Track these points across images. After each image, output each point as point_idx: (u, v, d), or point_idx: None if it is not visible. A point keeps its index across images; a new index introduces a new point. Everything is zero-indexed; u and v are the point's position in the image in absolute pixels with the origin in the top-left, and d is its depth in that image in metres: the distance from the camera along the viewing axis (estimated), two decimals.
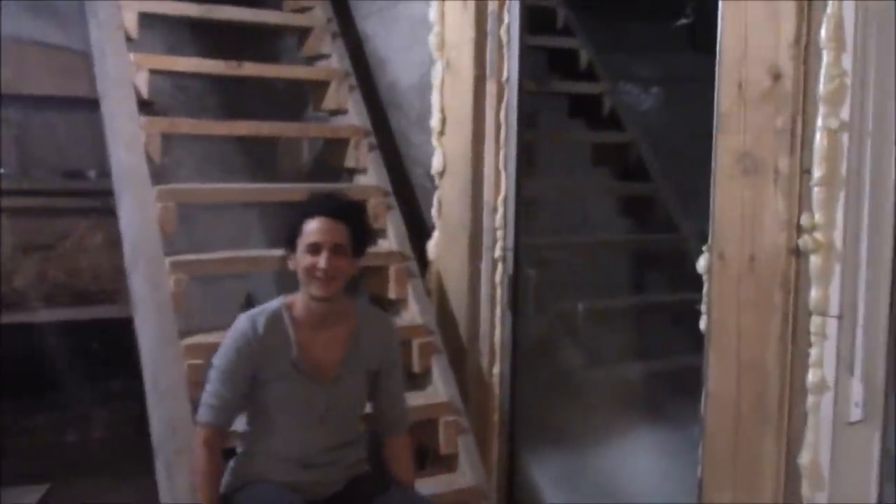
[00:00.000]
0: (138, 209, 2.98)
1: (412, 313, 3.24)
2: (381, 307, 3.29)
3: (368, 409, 2.55)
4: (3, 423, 4.81)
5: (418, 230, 3.46)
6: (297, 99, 3.94)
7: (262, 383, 2.31)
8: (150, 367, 2.80)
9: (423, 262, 3.40)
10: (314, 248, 2.25)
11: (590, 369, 3.67)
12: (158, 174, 4.82)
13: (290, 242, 2.32)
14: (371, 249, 3.30)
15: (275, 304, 2.36)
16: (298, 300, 2.35)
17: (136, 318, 2.93)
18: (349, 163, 3.52)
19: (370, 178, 3.48)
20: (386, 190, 3.42)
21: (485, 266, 3.22)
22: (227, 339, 2.32)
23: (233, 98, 4.50)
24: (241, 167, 4.62)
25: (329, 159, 3.68)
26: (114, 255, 4.85)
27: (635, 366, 3.75)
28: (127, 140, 3.09)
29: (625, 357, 3.80)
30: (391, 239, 3.35)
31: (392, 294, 3.26)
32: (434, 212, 3.39)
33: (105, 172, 5.05)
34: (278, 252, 2.45)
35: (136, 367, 2.89)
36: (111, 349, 4.61)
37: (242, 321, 2.32)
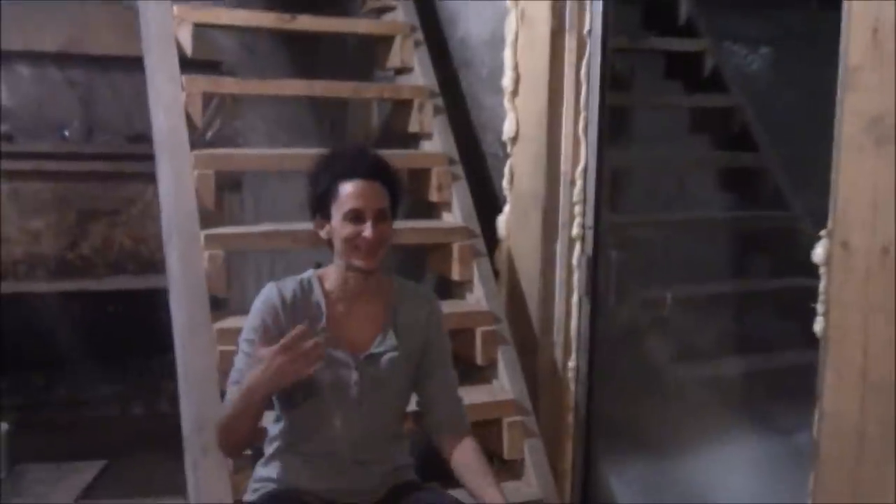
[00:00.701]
0: (174, 176, 2.73)
1: (477, 297, 2.91)
2: (447, 289, 2.98)
3: (414, 406, 2.23)
4: (66, 395, 4.76)
5: (488, 204, 3.13)
6: (371, 58, 3.65)
7: None
8: (180, 354, 2.55)
9: (493, 239, 3.07)
10: (356, 216, 1.99)
11: (679, 365, 3.30)
12: (229, 137, 4.73)
13: (321, 208, 2.04)
14: (434, 224, 3.01)
15: (305, 274, 2.12)
16: (331, 272, 2.10)
17: (171, 298, 2.68)
18: (413, 127, 3.21)
19: (435, 143, 3.16)
20: (452, 157, 3.10)
21: (560, 246, 2.87)
22: (252, 312, 2.07)
23: (303, 57, 4.34)
24: (313, 131, 4.50)
25: (394, 123, 3.40)
26: None
27: (732, 362, 3.36)
28: (165, 100, 2.84)
29: (721, 352, 3.40)
30: (456, 213, 3.03)
31: (455, 275, 2.93)
32: (505, 183, 3.05)
33: None
34: None
35: None
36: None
37: (268, 289, 2.08)
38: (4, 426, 3.83)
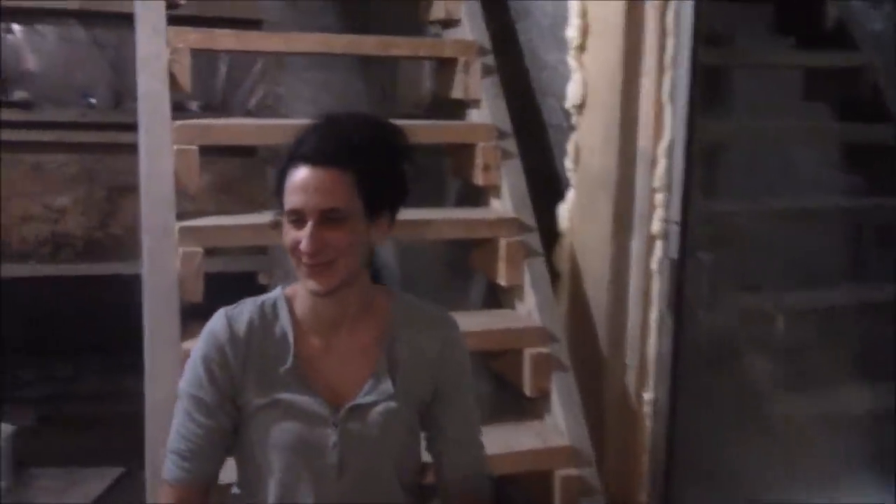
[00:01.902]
0: (148, 152, 2.24)
1: (528, 308, 2.39)
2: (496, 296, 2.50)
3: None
4: (91, 388, 4.49)
5: (547, 189, 2.61)
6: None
7: (245, 415, 1.55)
8: (146, 378, 2.06)
9: (552, 234, 2.56)
10: (296, 218, 1.46)
11: (787, 396, 2.73)
12: (271, 106, 4.35)
13: (278, 204, 1.53)
14: (475, 214, 2.48)
15: (271, 294, 1.60)
16: (301, 291, 1.57)
17: (143, 304, 2.19)
18: (456, 92, 2.70)
19: (482, 113, 2.62)
20: (502, 130, 2.57)
21: (636, 244, 2.38)
22: (194, 354, 1.56)
23: (354, 16, 3.90)
24: (363, 98, 4.14)
25: (438, 88, 2.90)
26: (223, 199, 4.47)
27: (857, 393, 2.77)
28: (144, 58, 2.34)
29: (841, 380, 2.80)
30: (505, 199, 2.52)
31: (501, 279, 2.43)
32: (569, 163, 2.54)
33: (209, 104, 4.60)
34: None
35: None
36: (216, 306, 4.22)
37: (214, 321, 1.56)
38: (7, 428, 3.53)
